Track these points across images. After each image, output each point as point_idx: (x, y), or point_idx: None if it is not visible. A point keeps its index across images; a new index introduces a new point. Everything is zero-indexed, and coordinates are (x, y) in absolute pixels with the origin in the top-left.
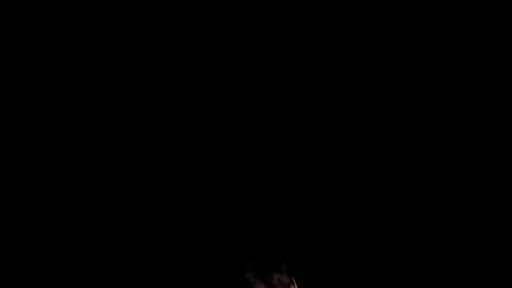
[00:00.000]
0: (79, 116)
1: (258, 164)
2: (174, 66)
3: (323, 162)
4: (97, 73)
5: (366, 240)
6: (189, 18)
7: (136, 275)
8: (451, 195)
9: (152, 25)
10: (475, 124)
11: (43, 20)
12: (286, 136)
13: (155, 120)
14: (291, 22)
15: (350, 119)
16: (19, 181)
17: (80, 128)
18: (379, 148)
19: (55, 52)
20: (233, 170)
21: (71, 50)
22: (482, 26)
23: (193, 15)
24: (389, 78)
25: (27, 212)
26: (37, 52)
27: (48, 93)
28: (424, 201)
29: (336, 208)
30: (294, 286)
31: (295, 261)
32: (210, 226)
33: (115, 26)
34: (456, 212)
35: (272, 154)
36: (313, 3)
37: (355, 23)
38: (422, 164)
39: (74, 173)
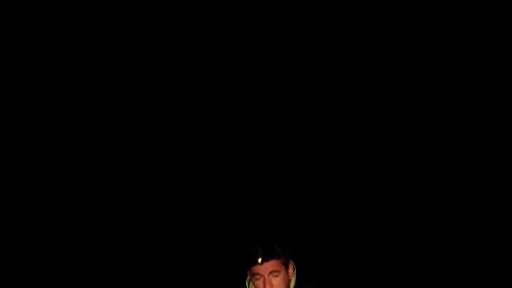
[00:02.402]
0: (79, 116)
1: (258, 164)
2: (174, 66)
3: (323, 162)
4: (97, 74)
5: (367, 240)
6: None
7: (136, 275)
8: (450, 195)
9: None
10: (475, 124)
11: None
12: (286, 137)
13: (155, 120)
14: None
15: (349, 120)
16: (19, 181)
17: (80, 128)
18: (378, 149)
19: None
20: (233, 170)
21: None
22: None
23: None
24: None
25: (27, 212)
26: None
27: (48, 93)
28: (424, 201)
29: (336, 208)
30: (293, 266)
31: (295, 261)
32: (210, 226)
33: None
34: (456, 212)
35: (272, 154)
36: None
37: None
38: (422, 164)
39: (74, 172)
